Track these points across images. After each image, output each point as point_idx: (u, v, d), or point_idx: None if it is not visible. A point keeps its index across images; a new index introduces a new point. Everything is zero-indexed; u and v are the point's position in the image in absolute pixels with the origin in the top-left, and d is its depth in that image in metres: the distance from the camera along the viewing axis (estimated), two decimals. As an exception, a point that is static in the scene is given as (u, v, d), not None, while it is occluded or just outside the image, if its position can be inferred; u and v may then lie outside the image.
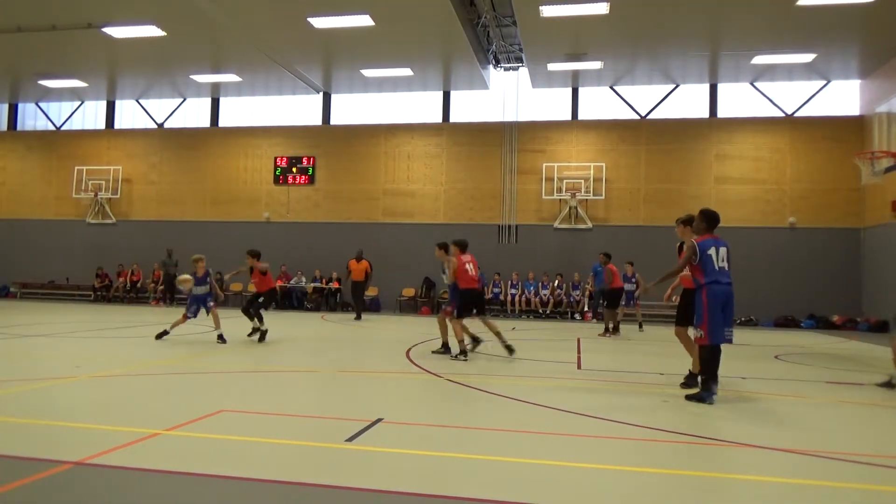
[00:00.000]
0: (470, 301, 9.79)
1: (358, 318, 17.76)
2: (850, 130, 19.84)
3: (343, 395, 6.81)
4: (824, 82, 20.39)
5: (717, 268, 6.60)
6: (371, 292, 21.68)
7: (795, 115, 20.70)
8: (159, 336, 10.77)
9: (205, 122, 24.51)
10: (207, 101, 24.44)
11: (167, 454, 4.32)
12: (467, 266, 9.81)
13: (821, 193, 20.06)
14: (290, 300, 21.95)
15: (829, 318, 19.05)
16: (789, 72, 19.65)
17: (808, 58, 18.19)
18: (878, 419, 6.29)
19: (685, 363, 9.77)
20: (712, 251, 6.65)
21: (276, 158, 23.30)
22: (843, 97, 20.52)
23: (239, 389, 6.91)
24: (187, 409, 5.57)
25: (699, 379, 6.79)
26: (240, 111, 24.40)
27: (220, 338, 10.82)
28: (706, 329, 6.55)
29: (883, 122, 13.96)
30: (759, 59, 18.50)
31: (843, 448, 4.89)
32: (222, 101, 24.42)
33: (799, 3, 14.55)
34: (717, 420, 5.88)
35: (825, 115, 20.45)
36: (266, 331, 11.38)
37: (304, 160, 23.12)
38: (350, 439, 4.72)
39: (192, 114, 24.73)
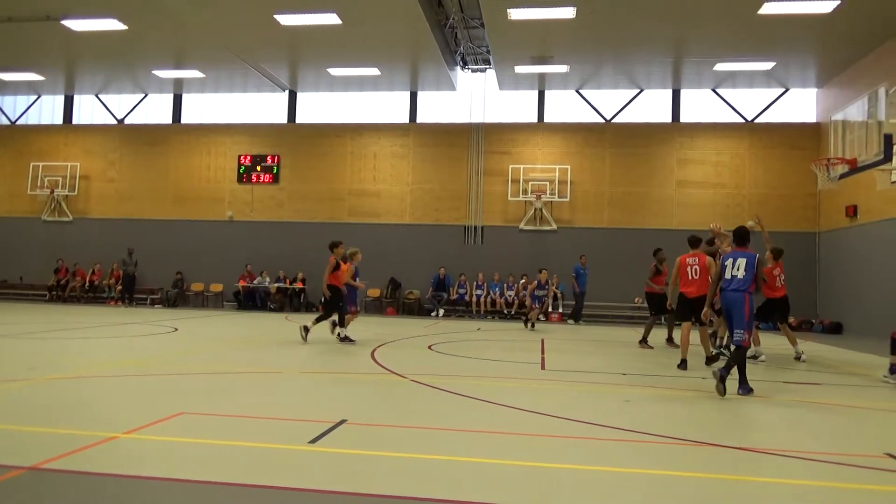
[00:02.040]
0: (682, 306, 9.63)
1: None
2: (807, 137, 20.39)
3: (306, 397, 6.73)
4: (783, 90, 20.92)
5: (728, 277, 7.47)
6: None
7: (755, 121, 21.19)
8: (344, 339, 11.38)
9: (167, 118, 24.05)
10: (170, 97, 23.98)
11: (124, 458, 4.21)
12: (688, 269, 9.49)
13: (779, 198, 20.57)
14: (254, 300, 21.68)
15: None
16: (750, 79, 20.11)
17: (767, 66, 18.65)
18: (833, 418, 6.46)
19: (647, 363, 9.97)
20: (728, 262, 7.54)
21: (240, 157, 22.98)
22: (801, 105, 21.09)
23: (199, 391, 6.78)
24: (146, 412, 5.44)
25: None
26: (203, 108, 24.00)
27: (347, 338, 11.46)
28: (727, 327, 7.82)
29: (838, 130, 14.34)
30: (721, 66, 18.89)
31: (799, 447, 5.00)
32: (185, 97, 23.99)
33: (760, 12, 14.90)
34: (677, 420, 5.97)
35: (784, 122, 20.98)
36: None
37: (269, 159, 22.85)
38: (313, 441, 4.67)
39: (154, 110, 24.23)
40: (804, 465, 4.52)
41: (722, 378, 6.99)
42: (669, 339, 12.57)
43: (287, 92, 23.09)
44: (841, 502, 3.85)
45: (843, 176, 14.31)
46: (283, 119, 23.35)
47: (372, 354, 10.04)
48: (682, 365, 9.23)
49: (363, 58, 19.21)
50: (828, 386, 8.26)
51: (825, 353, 12.72)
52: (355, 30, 16.82)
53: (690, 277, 9.50)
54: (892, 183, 15.43)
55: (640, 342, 12.22)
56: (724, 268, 7.55)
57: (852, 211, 17.97)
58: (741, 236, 7.70)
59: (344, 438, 4.86)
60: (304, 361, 9.46)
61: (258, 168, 22.86)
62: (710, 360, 9.46)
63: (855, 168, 13.55)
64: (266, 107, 23.51)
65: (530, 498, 3.68)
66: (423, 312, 21.12)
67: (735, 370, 7.21)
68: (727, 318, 7.49)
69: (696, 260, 9.54)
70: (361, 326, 15.99)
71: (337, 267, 11.67)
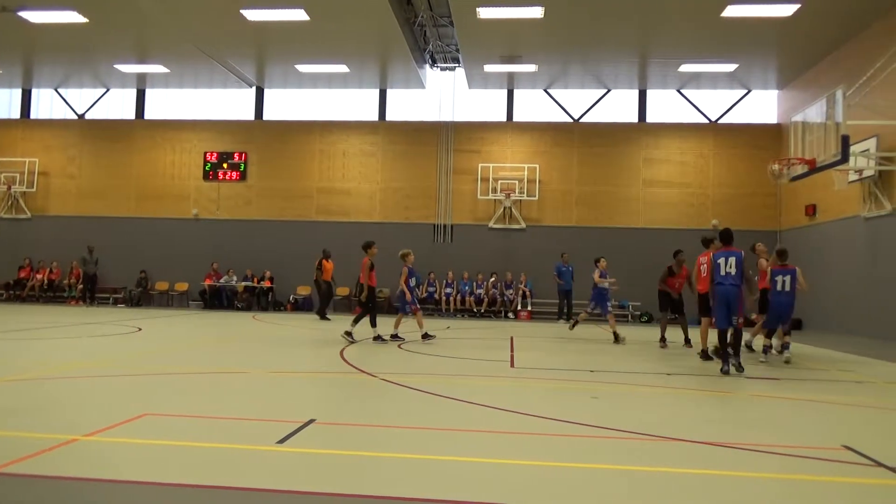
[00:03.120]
0: (698, 301, 10.22)
1: (324, 317, 17.62)
2: (769, 138, 20.85)
3: (274, 397, 6.66)
4: (745, 91, 21.35)
5: (723, 273, 8.68)
6: (304, 291, 21.40)
7: (718, 121, 21.60)
8: (427, 336, 11.71)
9: (129, 113, 23.56)
10: (132, 92, 23.49)
11: (84, 461, 4.12)
12: (701, 267, 9.96)
13: (741, 197, 21.00)
14: (220, 299, 21.37)
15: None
16: (713, 80, 20.49)
17: (730, 67, 19.02)
18: (792, 412, 6.61)
19: (615, 360, 10.10)
20: (721, 261, 8.75)
21: (205, 153, 22.63)
22: (762, 106, 21.56)
23: (164, 392, 6.66)
24: (108, 414, 5.32)
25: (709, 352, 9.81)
26: (167, 103, 23.56)
27: (427, 336, 11.76)
28: (714, 317, 8.93)
29: (798, 131, 14.71)
30: (686, 68, 19.21)
31: (760, 441, 5.10)
32: (148, 92, 23.53)
33: (723, 14, 15.18)
34: (642, 415, 6.05)
35: (746, 123, 21.44)
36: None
37: (236, 156, 22.54)
38: (281, 441, 4.62)
39: (116, 105, 23.71)
40: (765, 459, 4.62)
41: (738, 367, 8.57)
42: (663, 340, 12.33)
43: (254, 88, 22.81)
44: (800, 494, 3.94)
45: (800, 176, 14.69)
46: (251, 116, 23.06)
47: (341, 353, 9.98)
48: (703, 355, 10.00)
49: (331, 54, 19.07)
50: (787, 381, 8.46)
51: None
52: (323, 26, 16.68)
53: (702, 275, 10.09)
54: (849, 183, 15.91)
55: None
56: (717, 266, 8.77)
57: (812, 210, 18.43)
58: (728, 237, 8.94)
59: (313, 438, 4.82)
60: (271, 361, 9.36)
61: (225, 165, 22.53)
62: (704, 354, 10.05)
63: (814, 168, 13.91)
64: (233, 103, 23.18)
65: (500, 494, 3.70)
66: (393, 311, 21.02)
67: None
68: (724, 308, 8.60)
69: (706, 259, 9.95)
70: (329, 325, 15.91)
71: (373, 267, 11.89)
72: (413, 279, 12.28)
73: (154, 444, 4.53)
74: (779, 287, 9.91)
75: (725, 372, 8.46)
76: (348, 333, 11.66)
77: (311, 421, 5.21)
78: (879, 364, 10.50)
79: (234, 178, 22.50)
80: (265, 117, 23.04)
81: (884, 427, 6.05)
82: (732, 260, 8.66)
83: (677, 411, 6.46)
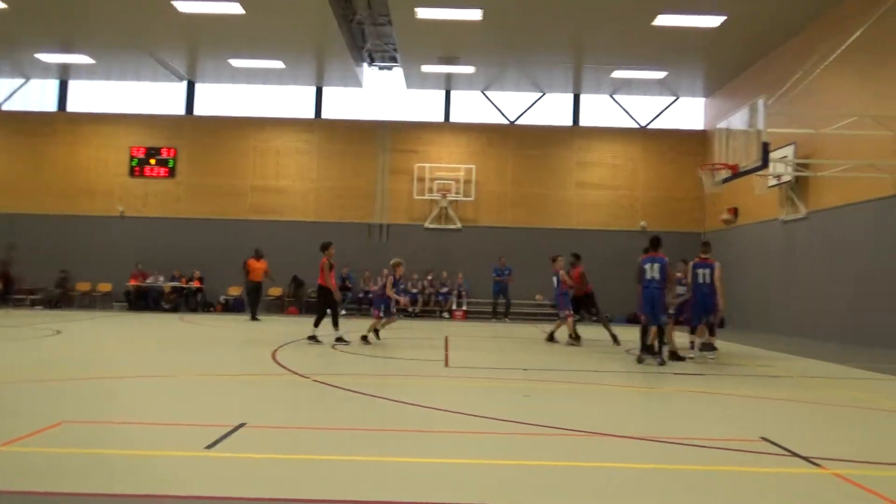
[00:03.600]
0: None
1: (254, 318, 17.09)
2: (695, 143, 21.66)
3: (203, 401, 6.46)
4: (674, 98, 22.13)
5: (648, 277, 9.55)
6: (235, 291, 20.87)
7: (648, 127, 22.30)
8: (365, 339, 11.34)
9: (51, 105, 22.44)
10: (54, 83, 22.38)
11: (-3, 471, 3.89)
12: (645, 266, 9.72)
13: (668, 200, 21.76)
14: (146, 300, 20.62)
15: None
16: (644, 87, 21.16)
17: (660, 75, 19.69)
18: (714, 406, 6.88)
19: (547, 359, 10.28)
20: (647, 266, 9.62)
21: (131, 148, 21.78)
22: (690, 113, 22.40)
23: (83, 398, 6.36)
24: (21, 422, 5.03)
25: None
26: (92, 96, 22.55)
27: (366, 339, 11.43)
28: (640, 315, 9.91)
29: (722, 138, 15.30)
30: (618, 74, 19.77)
31: (683, 433, 5.29)
32: (72, 83, 22.47)
33: (654, 23, 15.69)
34: (572, 412, 6.19)
35: (674, 129, 22.22)
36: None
37: (165, 151, 21.79)
38: (210, 446, 4.48)
39: (36, 96, 22.53)
40: (687, 451, 4.79)
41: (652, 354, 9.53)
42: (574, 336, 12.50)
43: (185, 82, 22.11)
44: (722, 484, 4.10)
45: (726, 180, 15.30)
46: (181, 110, 22.34)
47: (273, 355, 9.78)
48: (641, 352, 10.29)
49: (267, 50, 18.70)
50: (711, 376, 8.80)
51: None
52: (259, 20, 16.32)
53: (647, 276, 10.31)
54: (769, 187, 16.68)
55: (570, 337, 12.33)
56: (643, 270, 9.58)
57: (733, 213, 19.24)
58: (655, 243, 9.79)
59: (243, 442, 4.70)
60: (198, 364, 9.09)
61: (152, 161, 21.76)
62: (646, 349, 10.22)
63: (737, 173, 14.49)
64: (162, 97, 22.39)
65: (434, 494, 3.70)
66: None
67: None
68: (648, 308, 9.49)
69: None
70: (262, 326, 15.58)
71: (332, 268, 11.52)
72: (396, 290, 12.06)
73: (72, 453, 4.32)
74: (700, 280, 10.34)
75: (659, 364, 9.34)
76: (339, 339, 11.29)
77: (242, 425, 5.09)
78: (796, 360, 11.06)
79: (162, 174, 21.75)
80: (196, 113, 22.37)
81: (798, 419, 6.37)
82: (657, 266, 9.53)
83: (605, 407, 6.63)
